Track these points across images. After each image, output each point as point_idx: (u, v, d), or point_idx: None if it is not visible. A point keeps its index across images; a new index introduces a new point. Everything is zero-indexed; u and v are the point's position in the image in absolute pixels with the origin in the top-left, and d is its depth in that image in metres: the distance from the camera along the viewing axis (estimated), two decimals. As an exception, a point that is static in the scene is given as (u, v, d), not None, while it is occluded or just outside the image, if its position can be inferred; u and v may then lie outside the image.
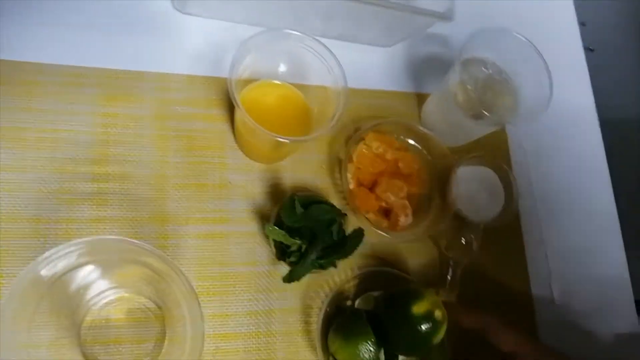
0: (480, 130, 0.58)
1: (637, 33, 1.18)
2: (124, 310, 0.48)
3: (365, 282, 0.53)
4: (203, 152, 0.54)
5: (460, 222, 0.57)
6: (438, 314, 0.44)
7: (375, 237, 0.54)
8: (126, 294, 0.48)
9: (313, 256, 0.48)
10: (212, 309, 0.50)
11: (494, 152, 0.64)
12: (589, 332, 0.59)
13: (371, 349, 0.45)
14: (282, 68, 0.53)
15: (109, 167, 0.51)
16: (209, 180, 0.54)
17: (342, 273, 0.53)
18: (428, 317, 0.44)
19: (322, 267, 0.50)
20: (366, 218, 0.54)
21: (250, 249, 0.52)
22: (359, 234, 0.51)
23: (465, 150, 0.61)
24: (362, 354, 0.45)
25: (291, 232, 0.49)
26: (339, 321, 0.48)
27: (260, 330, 0.50)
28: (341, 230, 0.51)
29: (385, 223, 0.55)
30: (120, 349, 0.47)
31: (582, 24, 0.78)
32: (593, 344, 0.59)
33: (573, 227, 0.64)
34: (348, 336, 0.46)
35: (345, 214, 0.52)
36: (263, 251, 0.53)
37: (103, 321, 0.47)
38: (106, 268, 0.44)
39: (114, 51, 0.55)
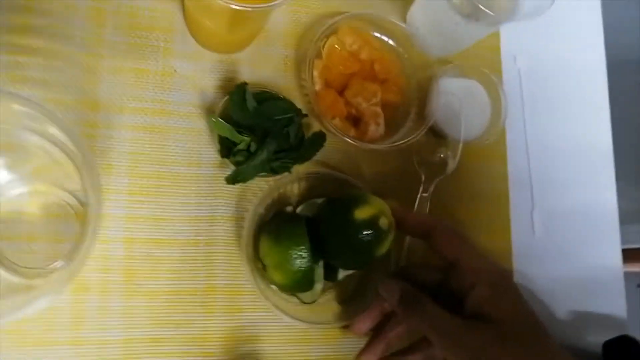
0: (473, 33, 0.51)
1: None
2: (39, 205, 0.41)
3: (312, 187, 0.46)
4: (147, 33, 0.46)
5: (438, 138, 0.50)
6: (384, 221, 0.38)
7: (340, 146, 0.48)
8: (43, 186, 0.41)
9: (263, 157, 0.42)
10: (145, 211, 0.43)
11: (484, 66, 0.56)
12: (566, 269, 0.54)
13: (304, 255, 0.39)
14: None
15: (31, 39, 0.43)
16: (151, 66, 0.46)
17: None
18: (371, 224, 0.38)
19: (275, 171, 0.44)
20: (332, 124, 0.47)
21: (193, 148, 0.45)
22: (319, 137, 0.45)
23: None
24: (293, 260, 0.39)
25: (241, 127, 0.42)
26: (274, 223, 0.42)
27: (199, 238, 0.44)
28: (300, 132, 0.45)
29: (352, 131, 0.48)
30: (33, 247, 0.40)
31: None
32: (569, 282, 0.54)
33: (563, 157, 0.58)
34: (279, 239, 0.40)
35: (306, 114, 0.46)
36: (209, 152, 0.46)
37: (14, 214, 0.40)
38: (10, 151, 0.37)
39: None
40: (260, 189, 0.46)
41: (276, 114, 0.44)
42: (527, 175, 0.55)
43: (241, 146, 0.42)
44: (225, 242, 0.44)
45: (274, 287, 0.42)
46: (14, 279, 0.39)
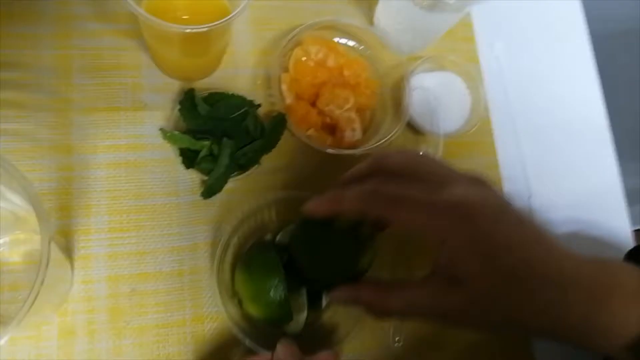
0: (440, 24, 0.50)
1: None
2: (21, 253, 0.41)
3: (288, 212, 0.44)
4: (114, 72, 0.47)
5: (418, 135, 0.49)
6: (365, 229, 0.37)
7: (318, 157, 0.47)
8: (23, 234, 0.42)
9: (226, 161, 0.42)
10: (127, 247, 0.43)
11: (461, 57, 0.55)
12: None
13: (277, 286, 0.37)
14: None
15: (1, 93, 0.44)
16: (121, 103, 0.46)
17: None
18: (350, 231, 0.36)
19: (244, 167, 0.44)
20: (307, 136, 0.47)
21: (170, 177, 0.45)
22: (279, 120, 0.45)
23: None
24: (267, 292, 0.37)
25: (198, 134, 0.43)
26: (247, 254, 0.41)
27: (184, 267, 0.44)
28: (258, 123, 0.45)
29: (329, 139, 0.48)
30: (17, 296, 0.40)
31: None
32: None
33: (556, 140, 0.56)
34: (251, 271, 0.39)
35: (259, 104, 0.46)
36: (185, 179, 0.45)
37: (-4, 265, 0.41)
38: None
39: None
40: (241, 210, 0.45)
41: (230, 112, 0.44)
42: (519, 163, 0.53)
43: (203, 152, 0.43)
44: (209, 269, 0.44)
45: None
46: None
